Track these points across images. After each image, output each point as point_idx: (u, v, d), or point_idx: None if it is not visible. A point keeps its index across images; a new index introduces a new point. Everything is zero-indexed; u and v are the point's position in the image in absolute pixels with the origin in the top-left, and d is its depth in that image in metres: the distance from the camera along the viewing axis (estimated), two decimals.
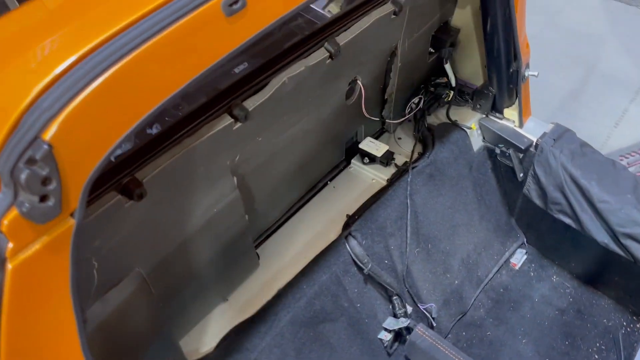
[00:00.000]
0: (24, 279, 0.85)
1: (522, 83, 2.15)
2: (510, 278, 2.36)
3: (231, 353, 1.61)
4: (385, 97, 2.14)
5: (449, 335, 2.15)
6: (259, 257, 1.85)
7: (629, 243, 1.93)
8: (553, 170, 2.08)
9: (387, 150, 2.12)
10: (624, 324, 2.20)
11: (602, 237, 2.00)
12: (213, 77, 1.54)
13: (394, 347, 1.99)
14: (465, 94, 2.29)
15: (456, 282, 2.19)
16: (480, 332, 2.19)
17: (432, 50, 2.21)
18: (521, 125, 2.25)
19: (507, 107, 2.23)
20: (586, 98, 3.59)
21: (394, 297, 1.97)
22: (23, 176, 0.79)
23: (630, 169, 2.83)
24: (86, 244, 1.20)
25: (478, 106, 2.27)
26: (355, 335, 1.85)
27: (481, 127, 2.27)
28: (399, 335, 2.00)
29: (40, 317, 0.90)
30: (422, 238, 2.10)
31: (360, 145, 2.13)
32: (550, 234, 2.32)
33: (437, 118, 2.30)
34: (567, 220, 2.10)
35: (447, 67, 2.23)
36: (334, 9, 2.28)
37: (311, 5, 1.89)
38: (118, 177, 1.24)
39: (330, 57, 1.64)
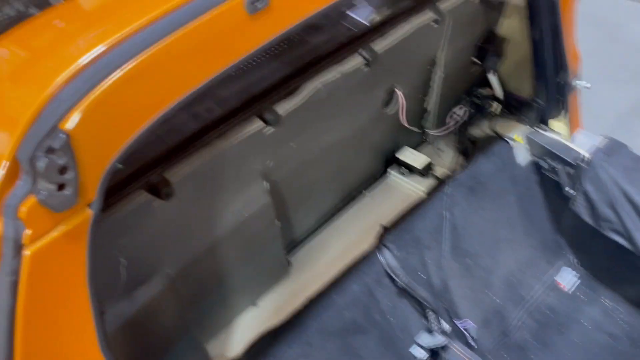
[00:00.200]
0: (41, 267, 0.87)
1: (571, 94, 2.06)
2: (558, 300, 2.24)
3: None
4: (426, 108, 2.10)
5: (489, 357, 2.05)
6: (290, 264, 1.84)
7: None
8: (604, 186, 1.98)
9: (426, 161, 2.07)
10: None
11: None
12: (245, 80, 1.56)
13: None
14: (511, 106, 2.22)
15: (497, 300, 2.10)
16: (524, 356, 2.08)
17: (476, 60, 2.16)
18: (570, 138, 2.15)
19: (555, 119, 2.14)
20: None
21: (429, 313, 1.90)
22: (41, 164, 0.81)
23: None
24: (113, 240, 1.23)
25: (524, 118, 2.19)
26: (386, 348, 1.80)
27: (527, 139, 2.19)
28: (435, 355, 1.93)
29: (55, 305, 0.91)
30: (461, 252, 2.02)
31: (398, 155, 2.09)
32: (602, 254, 2.19)
33: (480, 130, 2.24)
34: (620, 239, 1.99)
35: (492, 77, 2.16)
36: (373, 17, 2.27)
37: (348, 12, 1.88)
38: (147, 175, 1.26)
39: (367, 64, 1.62)
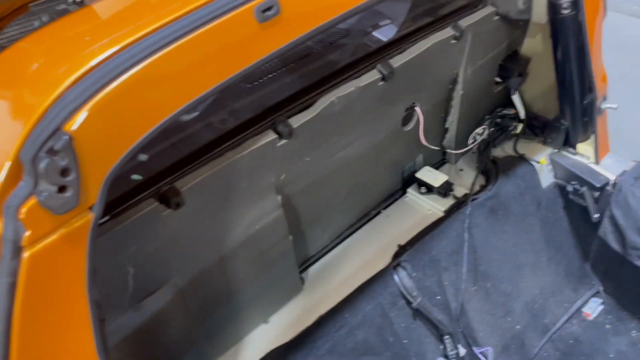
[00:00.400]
0: (39, 269, 0.87)
1: (598, 116, 2.00)
2: (583, 329, 2.14)
3: None
4: (446, 126, 2.06)
5: None
6: (303, 281, 1.81)
7: None
8: (633, 211, 1.91)
9: (446, 180, 2.03)
10: None
11: None
12: (260, 93, 1.56)
13: None
14: (535, 127, 2.17)
15: (518, 327, 2.01)
16: None
17: (499, 79, 2.12)
18: (597, 161, 2.08)
19: (581, 141, 2.08)
20: None
21: (445, 337, 1.84)
22: (42, 165, 0.81)
23: None
24: (121, 249, 1.22)
25: (549, 140, 2.13)
26: None
27: (552, 162, 2.13)
28: None
29: (53, 308, 0.90)
30: (481, 276, 1.96)
31: (417, 174, 2.05)
32: (630, 282, 2.09)
33: (503, 151, 2.19)
34: None
35: (516, 97, 2.12)
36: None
37: (368, 29, 1.88)
38: (157, 185, 1.26)
39: (383, 79, 1.61)
